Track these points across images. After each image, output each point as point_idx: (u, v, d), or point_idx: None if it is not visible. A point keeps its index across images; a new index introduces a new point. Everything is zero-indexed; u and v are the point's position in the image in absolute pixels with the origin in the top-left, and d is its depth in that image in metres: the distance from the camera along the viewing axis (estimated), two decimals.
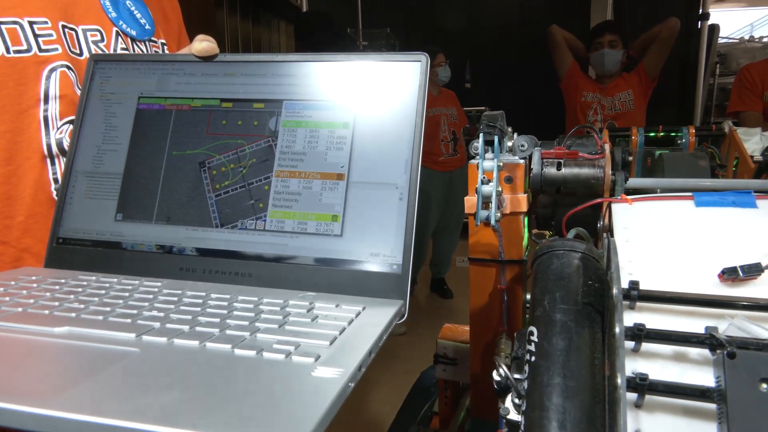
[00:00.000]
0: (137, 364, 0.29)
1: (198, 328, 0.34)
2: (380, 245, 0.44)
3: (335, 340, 0.33)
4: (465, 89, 4.29)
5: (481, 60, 4.23)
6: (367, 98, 0.47)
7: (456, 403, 0.98)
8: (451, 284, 3.10)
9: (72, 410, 0.23)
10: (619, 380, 0.39)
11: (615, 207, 0.63)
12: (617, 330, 0.42)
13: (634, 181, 0.74)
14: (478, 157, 0.69)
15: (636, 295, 0.47)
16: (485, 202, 0.68)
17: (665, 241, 0.55)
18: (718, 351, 0.41)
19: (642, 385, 0.40)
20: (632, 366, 0.44)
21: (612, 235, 0.59)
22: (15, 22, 0.53)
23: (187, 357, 0.30)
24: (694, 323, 0.45)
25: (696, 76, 3.26)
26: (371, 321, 0.37)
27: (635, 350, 0.45)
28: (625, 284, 0.47)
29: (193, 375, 0.28)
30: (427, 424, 1.03)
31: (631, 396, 0.41)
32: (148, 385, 0.27)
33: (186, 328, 0.34)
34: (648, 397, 0.41)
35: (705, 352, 0.42)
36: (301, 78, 0.49)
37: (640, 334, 0.43)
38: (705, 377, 0.41)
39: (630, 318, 0.47)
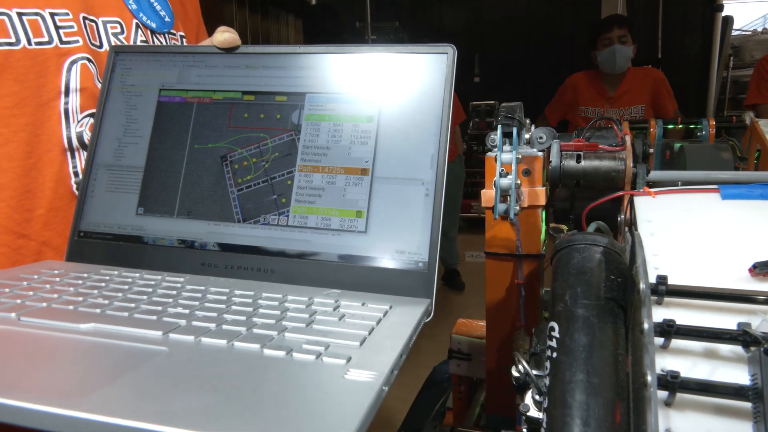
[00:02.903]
0: (166, 364, 0.28)
1: (225, 327, 0.34)
2: (406, 242, 0.43)
3: (365, 341, 0.32)
4: (474, 83, 4.26)
5: (490, 53, 4.20)
6: (391, 91, 0.46)
7: (470, 399, 0.97)
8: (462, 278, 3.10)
9: (104, 413, 0.23)
10: (649, 378, 0.38)
11: (637, 200, 0.62)
12: (646, 326, 0.41)
13: (655, 174, 0.72)
14: (495, 149, 0.68)
15: (664, 290, 0.46)
16: (503, 195, 0.67)
17: (691, 234, 0.54)
18: (752, 348, 0.40)
19: (673, 383, 0.39)
20: (661, 363, 0.43)
21: (635, 229, 0.57)
22: (36, 14, 0.52)
23: (216, 357, 0.30)
24: (724, 319, 0.44)
25: (709, 68, 3.21)
26: (400, 320, 0.36)
27: (664, 347, 0.44)
28: (651, 279, 0.46)
29: (224, 376, 0.27)
30: (441, 420, 1.02)
31: (661, 394, 0.40)
32: (180, 386, 0.26)
33: (212, 326, 0.34)
34: (678, 396, 0.40)
35: (737, 348, 0.42)
36: (324, 70, 0.48)
37: (669, 330, 0.42)
38: (738, 375, 0.41)
39: (657, 313, 0.46)
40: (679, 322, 0.42)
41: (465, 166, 3.35)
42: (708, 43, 3.22)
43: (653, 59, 3.08)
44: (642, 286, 0.43)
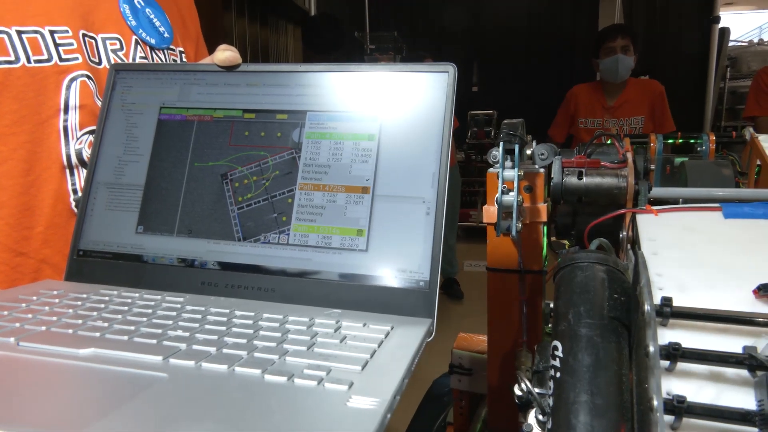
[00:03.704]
0: (166, 392, 0.28)
1: (225, 350, 0.33)
2: (407, 261, 0.43)
3: (367, 365, 0.32)
4: (472, 93, 4.28)
5: (488, 63, 4.22)
6: (392, 109, 0.46)
7: (471, 414, 0.96)
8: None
9: None
10: (655, 402, 0.38)
11: (640, 218, 0.62)
12: (652, 349, 0.41)
13: (657, 191, 0.72)
14: (497, 165, 0.68)
15: (669, 312, 0.46)
16: (505, 212, 0.67)
17: (695, 254, 0.54)
18: (758, 372, 0.39)
19: (680, 408, 0.39)
20: (666, 386, 0.42)
21: (638, 248, 0.57)
22: (36, 31, 0.52)
23: (216, 383, 0.29)
24: (729, 341, 0.44)
25: (706, 79, 3.23)
26: (402, 342, 0.36)
27: (669, 370, 0.43)
28: (656, 300, 0.46)
29: (225, 404, 0.27)
30: None
31: (666, 418, 0.40)
32: (180, 416, 0.26)
33: (213, 350, 0.33)
34: (684, 420, 0.39)
35: (743, 372, 0.41)
36: (325, 88, 0.48)
37: (675, 353, 0.42)
38: (742, 399, 0.40)
39: (661, 335, 0.46)
40: (683, 344, 0.42)
41: (463, 175, 3.36)
42: (705, 54, 3.24)
43: (649, 70, 3.09)
44: (647, 308, 0.43)
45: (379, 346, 0.35)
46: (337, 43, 2.63)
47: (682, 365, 0.43)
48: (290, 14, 3.80)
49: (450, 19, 4.33)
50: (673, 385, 0.42)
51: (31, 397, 0.27)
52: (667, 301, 0.46)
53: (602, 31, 2.36)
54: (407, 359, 0.33)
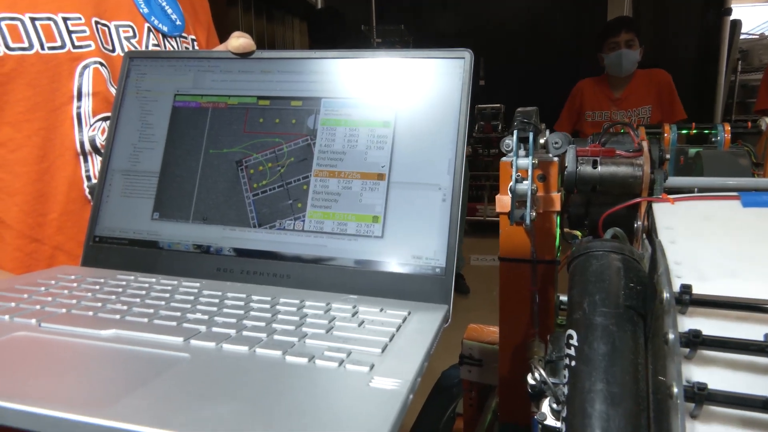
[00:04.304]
0: (190, 371, 0.28)
1: (245, 333, 0.33)
2: (423, 248, 0.43)
3: (386, 348, 0.32)
4: (479, 86, 4.26)
5: (496, 57, 4.19)
6: (408, 96, 0.46)
7: (481, 405, 0.96)
8: (467, 282, 3.09)
9: (132, 421, 0.23)
10: (675, 389, 0.37)
11: (656, 207, 0.61)
12: (671, 336, 0.40)
13: (673, 180, 0.71)
14: (510, 154, 0.67)
15: (688, 299, 0.45)
16: (519, 201, 0.67)
17: (713, 242, 0.54)
18: None
19: (700, 395, 0.39)
20: (685, 374, 0.42)
21: (655, 236, 0.57)
22: (49, 18, 0.52)
23: (238, 364, 0.29)
24: (748, 330, 0.44)
25: (717, 72, 3.20)
26: (420, 327, 0.36)
27: (689, 357, 0.43)
28: (674, 288, 0.46)
29: (248, 384, 0.27)
30: (451, 426, 1.02)
31: (686, 406, 0.40)
32: (206, 394, 0.26)
33: (233, 332, 0.33)
34: (704, 407, 0.39)
35: (764, 360, 0.41)
36: (340, 75, 0.48)
37: (695, 341, 0.42)
38: (763, 386, 0.40)
39: (680, 323, 0.45)
40: (702, 332, 0.41)
41: (471, 169, 3.34)
42: (716, 46, 3.20)
43: (659, 63, 3.06)
44: (666, 295, 0.43)
45: (397, 330, 0.35)
46: (343, 37, 2.62)
47: (701, 353, 0.43)
48: (296, 8, 3.79)
49: (457, 12, 4.31)
50: (692, 373, 0.42)
51: (57, 376, 0.27)
52: (686, 288, 0.46)
53: (606, 26, 2.33)
54: (426, 343, 0.33)
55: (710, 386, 0.38)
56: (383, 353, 0.31)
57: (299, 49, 0.52)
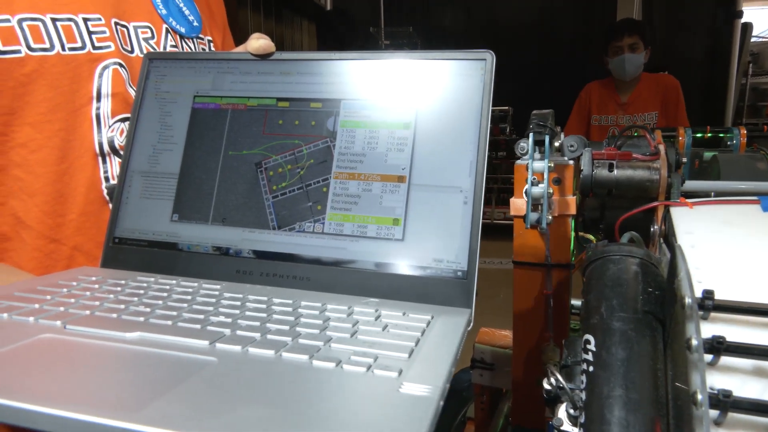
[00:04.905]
0: (218, 375, 0.28)
1: (269, 336, 0.33)
2: (444, 250, 0.43)
3: (413, 353, 0.32)
4: None
5: (504, 59, 4.18)
6: (428, 98, 0.46)
7: (492, 409, 0.96)
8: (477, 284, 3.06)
9: (163, 426, 0.22)
10: (700, 396, 0.37)
11: (675, 211, 0.61)
12: (695, 343, 0.40)
13: (690, 184, 0.71)
14: (525, 157, 0.67)
15: (711, 305, 0.45)
16: (534, 204, 0.66)
17: (734, 247, 0.53)
18: None
19: (725, 402, 0.38)
20: (709, 381, 0.42)
21: (673, 240, 0.56)
22: (70, 19, 0.53)
23: (265, 368, 0.29)
24: None
25: (728, 75, 3.17)
26: (444, 331, 0.36)
27: (712, 364, 0.43)
28: (696, 293, 0.45)
29: (278, 388, 0.27)
30: (461, 430, 1.01)
31: (710, 413, 0.39)
32: (235, 399, 0.25)
33: (257, 335, 0.33)
34: (729, 415, 0.39)
35: None
36: (360, 77, 0.48)
37: (719, 347, 0.41)
38: None
39: (702, 329, 0.45)
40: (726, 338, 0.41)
41: None
42: (727, 49, 3.18)
43: (670, 65, 3.04)
44: (688, 300, 0.42)
45: (422, 335, 0.34)
46: (351, 39, 2.62)
47: (724, 360, 0.42)
48: (305, 10, 3.80)
49: (465, 13, 4.30)
50: (715, 380, 0.42)
51: (85, 379, 0.27)
52: (708, 294, 0.45)
53: (609, 29, 2.30)
54: (453, 347, 0.33)
55: (735, 393, 0.38)
56: (410, 358, 0.31)
57: (318, 51, 0.52)
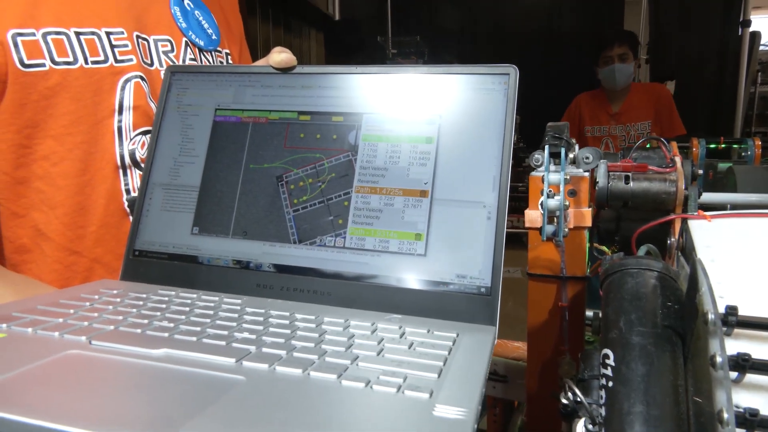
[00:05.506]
0: (247, 395, 0.28)
1: (296, 354, 0.33)
2: (467, 266, 0.43)
3: (441, 373, 0.31)
4: None
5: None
6: (451, 112, 0.46)
7: (506, 422, 0.95)
8: None
9: None
10: (726, 415, 0.36)
11: (692, 224, 0.61)
12: (720, 360, 0.39)
13: (708, 196, 0.70)
14: (539, 169, 0.67)
15: (734, 321, 0.44)
16: (550, 216, 0.66)
17: (755, 261, 0.53)
18: None
19: (752, 421, 0.38)
20: (733, 399, 0.41)
21: (694, 254, 0.56)
22: (93, 33, 0.53)
23: (295, 387, 0.29)
24: None
25: (736, 84, 3.16)
26: (472, 349, 0.35)
27: (737, 381, 0.42)
28: (719, 308, 0.45)
29: (309, 410, 0.27)
30: None
31: None
32: (267, 421, 0.25)
33: (283, 353, 0.33)
34: None
35: None
36: (382, 91, 0.48)
37: (744, 364, 0.41)
38: None
39: (726, 345, 0.44)
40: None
41: None
42: (735, 58, 3.17)
43: (678, 74, 3.04)
44: (711, 316, 0.42)
45: (449, 354, 0.34)
46: (359, 48, 2.64)
47: (749, 377, 0.42)
48: (313, 19, 3.82)
49: (471, 23, 4.32)
50: (740, 398, 0.41)
51: (116, 398, 0.27)
52: (732, 309, 0.45)
53: (599, 39, 2.31)
54: (482, 367, 0.32)
55: (762, 412, 0.37)
56: (439, 378, 0.31)
57: (340, 65, 0.53)
